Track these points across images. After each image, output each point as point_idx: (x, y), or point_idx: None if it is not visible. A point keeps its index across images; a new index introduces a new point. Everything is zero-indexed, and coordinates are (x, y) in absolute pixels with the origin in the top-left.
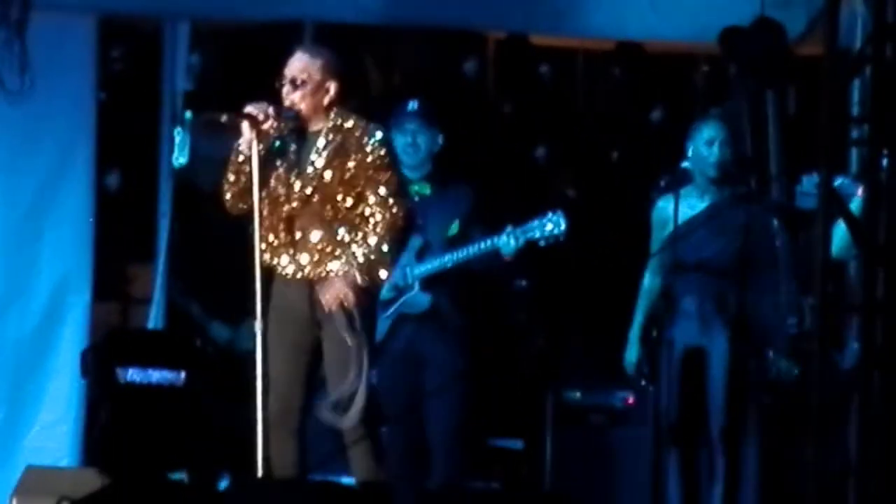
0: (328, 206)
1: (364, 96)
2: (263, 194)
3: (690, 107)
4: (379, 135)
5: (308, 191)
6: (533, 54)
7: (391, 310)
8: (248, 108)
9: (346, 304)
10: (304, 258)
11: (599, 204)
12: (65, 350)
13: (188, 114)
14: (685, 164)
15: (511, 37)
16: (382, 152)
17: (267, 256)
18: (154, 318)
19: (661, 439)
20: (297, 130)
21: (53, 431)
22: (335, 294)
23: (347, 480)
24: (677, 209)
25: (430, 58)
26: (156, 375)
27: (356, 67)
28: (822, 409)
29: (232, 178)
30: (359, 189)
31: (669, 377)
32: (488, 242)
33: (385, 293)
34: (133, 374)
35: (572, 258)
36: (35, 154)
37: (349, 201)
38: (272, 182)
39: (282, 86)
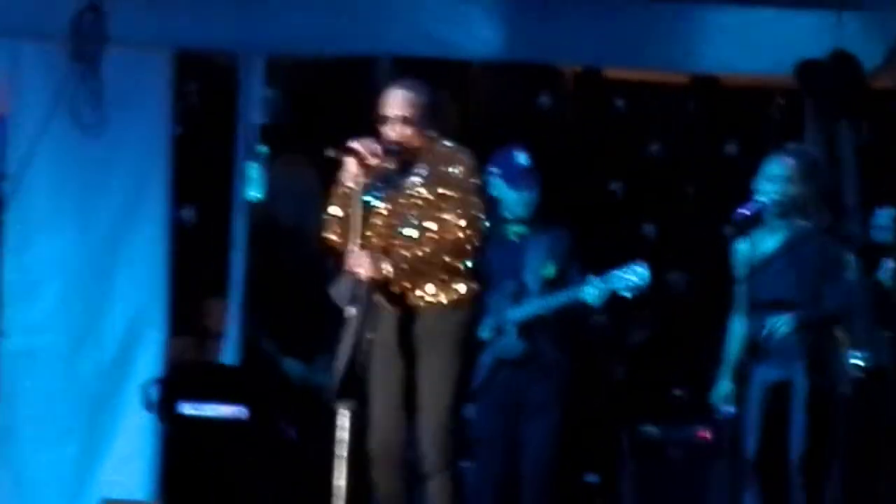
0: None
1: (442, 131)
2: (369, 233)
3: (766, 140)
4: (468, 159)
5: (407, 226)
6: (608, 88)
7: (488, 354)
8: (354, 144)
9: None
10: (395, 293)
11: (675, 238)
12: (140, 384)
13: (263, 148)
14: (758, 198)
15: (586, 70)
16: (473, 177)
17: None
18: (229, 353)
19: (740, 474)
20: (398, 165)
21: (128, 466)
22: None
23: None
24: (751, 248)
25: (506, 92)
26: (218, 410)
27: (424, 99)
28: None
29: (339, 214)
30: (449, 212)
31: (751, 412)
32: (573, 293)
33: (485, 333)
34: (194, 409)
35: (650, 294)
36: (110, 188)
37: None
38: (372, 220)
39: (384, 122)
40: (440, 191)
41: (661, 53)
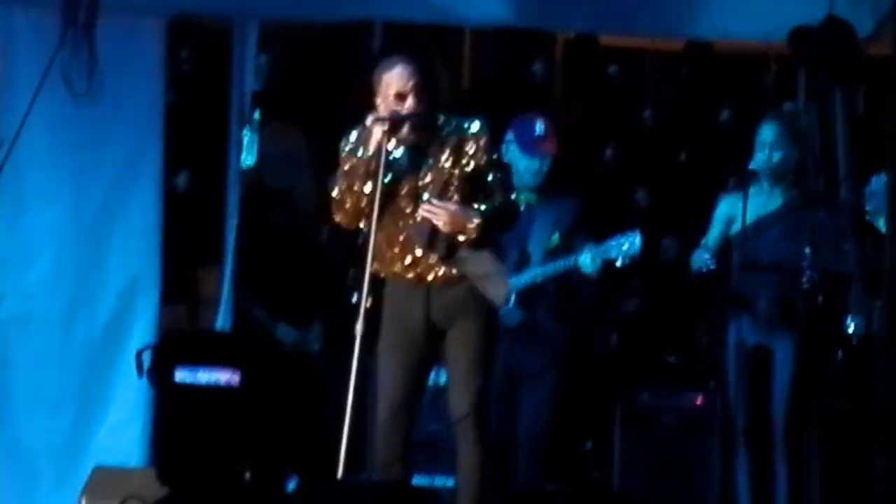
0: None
1: (433, 97)
2: (386, 208)
3: (759, 107)
4: (479, 126)
5: (433, 199)
6: (601, 54)
7: None
8: (382, 114)
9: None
10: (423, 267)
11: (668, 205)
12: (133, 351)
13: (257, 114)
14: (752, 165)
15: (579, 37)
16: (487, 142)
17: (378, 266)
18: (222, 320)
19: (729, 441)
20: (419, 138)
21: (122, 432)
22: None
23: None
24: (745, 209)
25: (499, 58)
26: (210, 376)
27: (425, 68)
28: (890, 413)
29: (351, 190)
30: (477, 183)
31: (736, 378)
32: (570, 261)
33: None
34: (187, 375)
35: (641, 261)
36: (103, 156)
37: (474, 202)
38: (397, 195)
39: (401, 98)
40: (463, 167)
41: (655, 20)
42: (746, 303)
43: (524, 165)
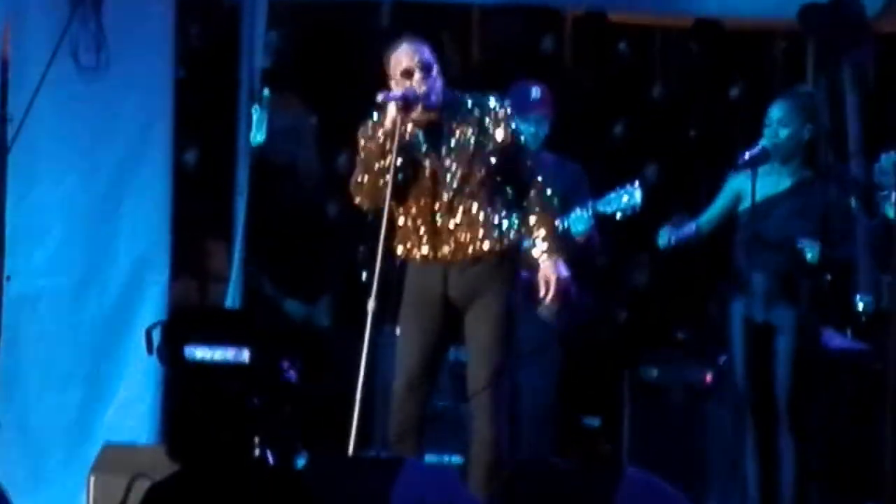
0: (481, 188)
1: (442, 74)
2: (411, 187)
3: (768, 83)
4: (497, 100)
5: (458, 177)
6: (611, 31)
7: None
8: (398, 92)
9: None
10: (447, 246)
11: (677, 181)
12: (143, 328)
13: (266, 92)
14: (763, 142)
15: (589, 14)
16: (507, 115)
17: (402, 247)
18: (232, 296)
19: (737, 415)
20: (427, 121)
21: (131, 409)
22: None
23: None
24: (754, 185)
25: (508, 35)
26: (220, 353)
27: (434, 46)
28: None
29: (369, 171)
30: (501, 162)
31: (736, 352)
32: (563, 222)
33: None
34: (197, 352)
35: (650, 235)
36: (112, 132)
37: (498, 177)
38: (420, 175)
39: (407, 75)
40: (486, 146)
41: None
42: (748, 280)
43: (520, 131)
